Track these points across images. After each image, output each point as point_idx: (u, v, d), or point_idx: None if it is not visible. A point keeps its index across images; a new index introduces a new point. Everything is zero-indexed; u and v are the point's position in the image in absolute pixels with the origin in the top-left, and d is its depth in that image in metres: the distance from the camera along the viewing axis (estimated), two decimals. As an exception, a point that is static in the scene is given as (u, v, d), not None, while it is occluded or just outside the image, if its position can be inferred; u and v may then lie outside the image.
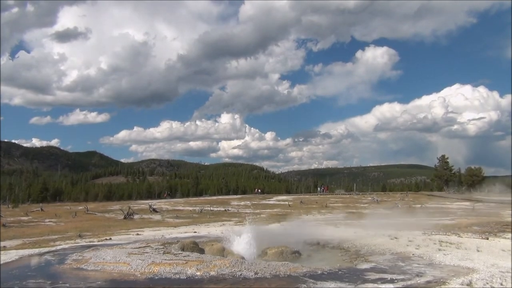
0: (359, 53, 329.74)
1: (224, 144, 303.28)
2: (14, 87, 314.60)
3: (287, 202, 38.68)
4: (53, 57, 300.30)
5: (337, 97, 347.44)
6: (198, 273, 7.37)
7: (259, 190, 72.45)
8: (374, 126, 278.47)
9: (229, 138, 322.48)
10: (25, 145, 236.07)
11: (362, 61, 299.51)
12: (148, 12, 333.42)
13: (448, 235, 12.49)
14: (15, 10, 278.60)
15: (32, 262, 9.32)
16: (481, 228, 15.04)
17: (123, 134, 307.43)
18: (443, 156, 67.60)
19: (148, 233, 15.80)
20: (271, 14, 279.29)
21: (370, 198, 44.73)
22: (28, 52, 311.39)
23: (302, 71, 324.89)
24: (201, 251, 10.02)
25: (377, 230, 13.42)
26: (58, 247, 11.50)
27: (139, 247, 10.41)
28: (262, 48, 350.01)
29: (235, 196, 60.51)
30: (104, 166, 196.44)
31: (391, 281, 6.71)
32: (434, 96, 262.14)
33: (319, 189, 69.40)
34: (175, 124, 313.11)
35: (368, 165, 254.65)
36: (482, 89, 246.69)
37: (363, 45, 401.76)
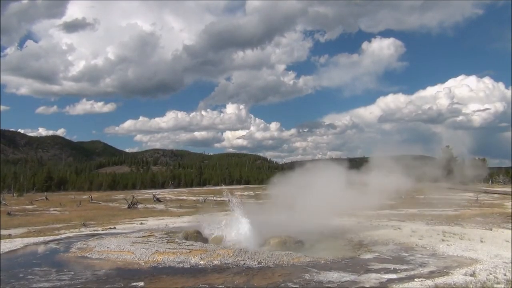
0: (365, 44, 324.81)
1: (228, 134, 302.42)
2: (21, 76, 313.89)
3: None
4: (61, 47, 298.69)
5: (342, 88, 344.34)
6: (201, 262, 7.41)
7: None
8: (379, 117, 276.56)
9: (234, 128, 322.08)
10: (30, 134, 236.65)
11: (368, 52, 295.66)
12: (156, 3, 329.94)
13: (452, 226, 12.49)
14: (25, 1, 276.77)
15: (38, 250, 9.42)
16: (485, 219, 15.02)
17: (128, 124, 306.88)
18: (447, 146, 67.36)
19: (152, 222, 15.91)
20: (278, 5, 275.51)
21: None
22: (36, 42, 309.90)
23: (308, 62, 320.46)
24: (205, 240, 10.08)
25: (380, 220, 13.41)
26: (63, 236, 11.61)
27: (143, 236, 10.47)
28: (268, 39, 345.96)
29: (238, 186, 60.69)
30: (108, 156, 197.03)
31: (394, 271, 6.71)
32: (439, 87, 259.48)
33: None
34: (181, 114, 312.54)
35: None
36: (487, 80, 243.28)
37: (369, 36, 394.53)
